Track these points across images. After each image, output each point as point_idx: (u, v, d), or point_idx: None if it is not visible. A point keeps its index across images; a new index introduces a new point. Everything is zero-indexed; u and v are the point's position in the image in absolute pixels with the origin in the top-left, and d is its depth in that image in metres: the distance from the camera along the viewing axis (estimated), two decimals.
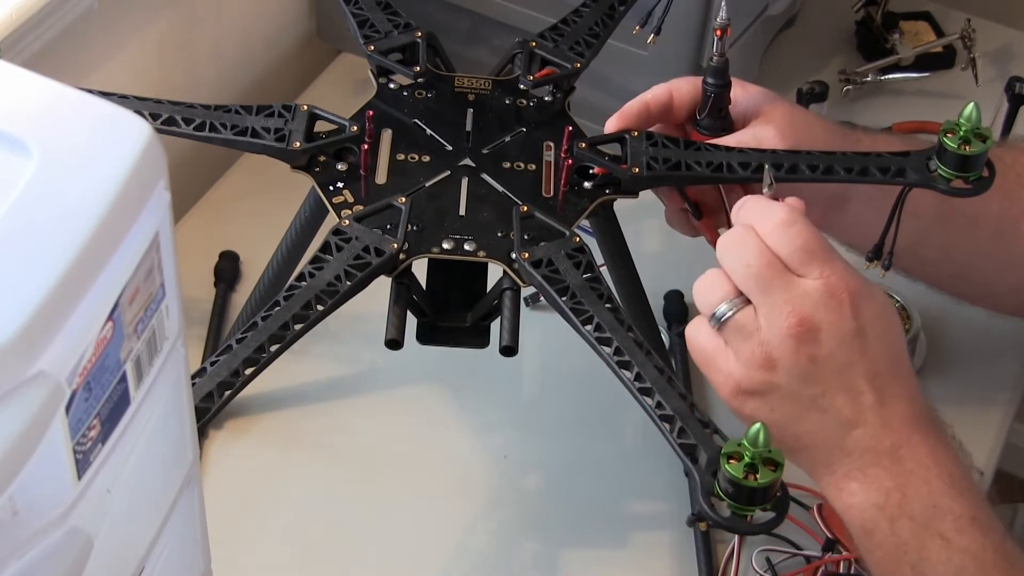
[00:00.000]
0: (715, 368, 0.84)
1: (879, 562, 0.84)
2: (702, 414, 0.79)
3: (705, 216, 1.00)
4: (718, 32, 0.96)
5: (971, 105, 0.90)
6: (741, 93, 1.00)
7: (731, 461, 0.72)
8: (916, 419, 0.84)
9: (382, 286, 0.89)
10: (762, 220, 0.85)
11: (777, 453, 0.72)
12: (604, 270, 0.99)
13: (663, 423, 0.79)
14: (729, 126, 1.00)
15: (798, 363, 0.82)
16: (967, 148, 0.89)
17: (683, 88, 1.00)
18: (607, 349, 0.83)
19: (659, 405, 0.80)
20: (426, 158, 0.96)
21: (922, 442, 0.84)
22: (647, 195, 0.97)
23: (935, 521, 0.82)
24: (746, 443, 0.72)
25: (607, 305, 0.85)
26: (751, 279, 0.83)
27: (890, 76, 1.43)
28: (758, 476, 0.72)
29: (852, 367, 0.83)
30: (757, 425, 0.72)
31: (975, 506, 0.83)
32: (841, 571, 0.98)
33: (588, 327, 0.84)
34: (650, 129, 0.99)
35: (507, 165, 0.96)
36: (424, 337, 0.93)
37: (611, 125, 0.98)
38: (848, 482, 0.83)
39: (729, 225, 0.97)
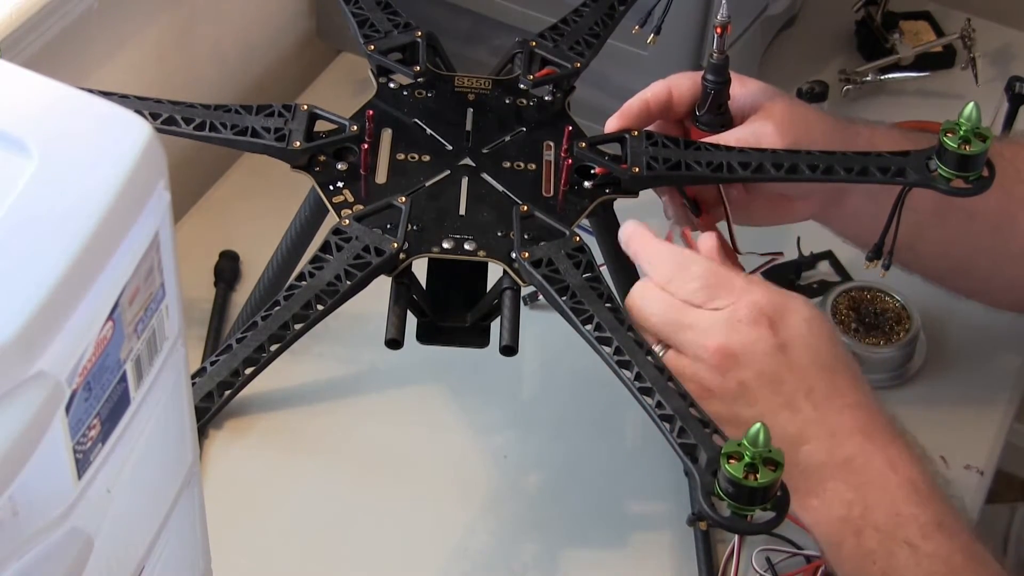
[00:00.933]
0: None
1: (850, 574, 0.85)
2: (702, 414, 0.79)
3: (704, 213, 1.00)
4: (718, 30, 0.96)
5: (971, 105, 0.90)
6: (740, 89, 1.00)
7: (731, 461, 0.72)
8: (867, 428, 0.85)
9: (382, 286, 0.89)
10: (655, 270, 0.87)
11: (777, 453, 0.72)
12: (604, 270, 0.99)
13: (663, 423, 0.79)
14: (728, 122, 1.00)
15: (729, 389, 0.84)
16: (967, 148, 0.89)
17: (682, 85, 1.00)
18: (607, 349, 0.83)
19: (659, 405, 0.80)
20: (426, 158, 0.96)
21: (877, 451, 0.84)
22: (647, 195, 0.97)
23: (900, 529, 0.82)
24: (746, 443, 0.72)
25: (607, 305, 0.85)
26: (663, 328, 0.86)
27: (890, 76, 1.43)
28: (758, 476, 0.72)
29: (783, 384, 0.84)
30: (757, 425, 0.72)
31: (940, 511, 0.83)
32: None
33: (588, 327, 0.84)
34: (649, 128, 0.99)
35: (507, 165, 0.96)
36: (424, 337, 0.93)
37: (612, 124, 0.99)
38: (809, 499, 0.84)
39: (728, 222, 0.98)
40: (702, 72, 0.99)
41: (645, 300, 0.87)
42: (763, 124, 0.97)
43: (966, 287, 1.11)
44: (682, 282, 0.86)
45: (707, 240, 0.91)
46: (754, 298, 0.85)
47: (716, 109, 0.99)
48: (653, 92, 1.00)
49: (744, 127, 0.98)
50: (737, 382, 0.84)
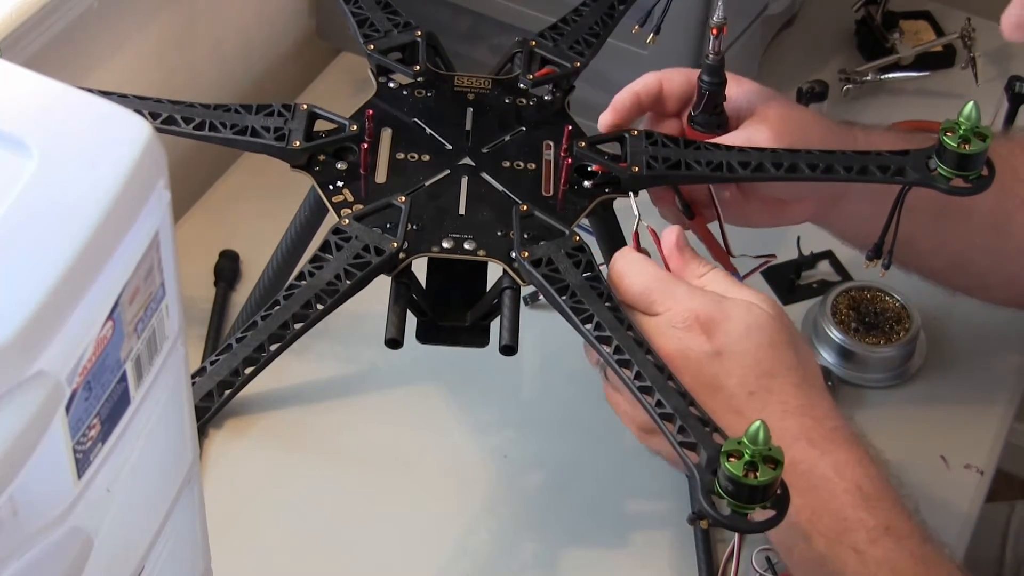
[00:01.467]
0: (624, 407, 0.90)
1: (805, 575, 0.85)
2: (702, 412, 0.79)
3: (697, 215, 1.00)
4: (714, 31, 0.96)
5: (971, 104, 0.90)
6: (736, 89, 1.00)
7: (731, 459, 0.72)
8: (811, 434, 0.84)
9: (382, 285, 0.89)
10: (610, 275, 0.89)
11: (777, 451, 0.72)
12: (604, 269, 0.99)
13: (663, 422, 0.79)
14: (724, 123, 1.00)
15: None
16: (967, 147, 0.89)
17: (674, 79, 1.00)
18: (607, 348, 0.83)
19: (659, 404, 0.80)
20: (426, 157, 0.96)
21: (821, 456, 0.84)
22: (647, 194, 0.97)
23: (847, 535, 0.82)
24: (746, 441, 0.72)
25: (607, 304, 0.85)
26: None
27: (890, 75, 1.43)
28: (758, 474, 0.72)
29: (721, 389, 0.84)
30: (757, 423, 0.72)
31: (889, 515, 0.83)
32: None
33: (588, 326, 0.84)
34: (643, 127, 0.99)
35: (507, 164, 0.96)
36: (424, 336, 0.93)
37: (605, 119, 0.99)
38: None
39: (720, 223, 0.98)
40: (697, 69, 0.99)
41: (621, 268, 0.89)
42: (758, 128, 0.97)
43: (963, 284, 1.11)
44: (623, 289, 0.87)
45: (668, 235, 0.91)
46: (691, 305, 0.85)
47: (711, 110, 0.99)
48: (644, 84, 1.00)
49: (739, 132, 0.98)
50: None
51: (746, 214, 1.01)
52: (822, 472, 0.83)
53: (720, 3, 0.95)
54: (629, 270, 0.88)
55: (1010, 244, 1.05)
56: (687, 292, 0.86)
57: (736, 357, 0.85)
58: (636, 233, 0.92)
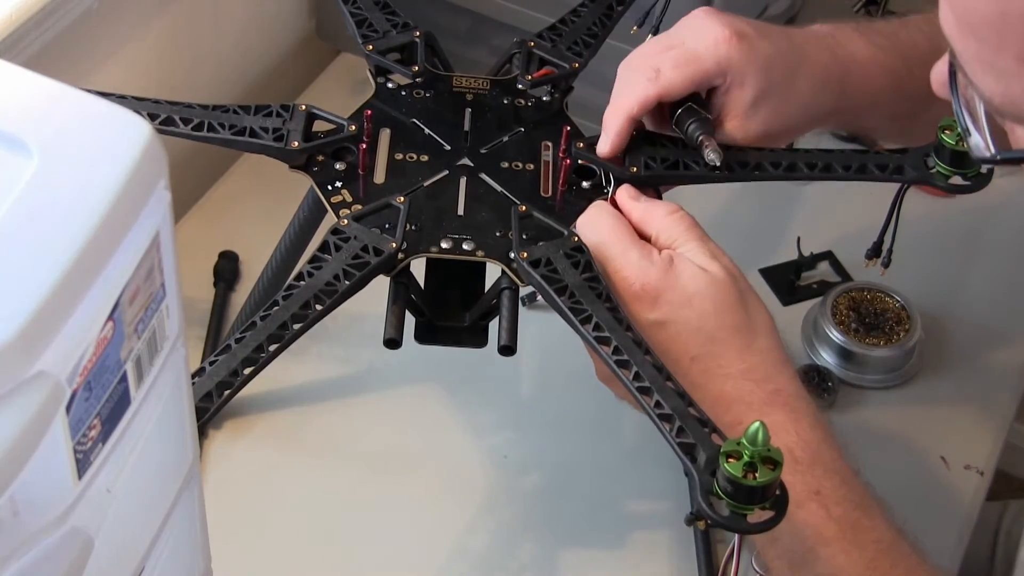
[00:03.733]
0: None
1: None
2: (701, 413, 0.79)
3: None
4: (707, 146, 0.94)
5: None
6: (698, 75, 0.95)
7: (730, 460, 0.72)
8: (749, 398, 0.86)
9: (381, 286, 0.89)
10: (578, 223, 0.91)
11: (776, 452, 0.72)
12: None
13: (662, 422, 0.79)
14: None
15: None
16: (964, 144, 0.89)
17: (673, 91, 0.95)
18: (606, 348, 0.83)
19: (658, 404, 0.80)
20: (424, 158, 0.96)
21: (755, 418, 0.83)
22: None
23: None
24: (745, 442, 0.72)
25: (606, 304, 0.85)
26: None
27: None
28: (757, 475, 0.72)
29: (667, 353, 0.85)
30: (756, 424, 0.72)
31: (820, 480, 0.84)
32: None
33: (587, 326, 0.84)
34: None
35: (505, 165, 0.96)
36: (422, 337, 0.93)
37: (606, 149, 0.95)
38: None
39: None
40: (701, 74, 0.97)
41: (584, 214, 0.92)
42: (737, 132, 0.96)
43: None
44: (586, 240, 0.89)
45: (621, 192, 0.93)
46: (635, 272, 0.87)
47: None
48: (639, 104, 0.95)
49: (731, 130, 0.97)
50: None
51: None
52: None
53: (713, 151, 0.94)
54: (593, 220, 0.90)
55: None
56: (639, 257, 0.88)
57: (679, 325, 0.86)
58: (612, 199, 0.93)
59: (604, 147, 0.95)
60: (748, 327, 0.88)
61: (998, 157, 0.73)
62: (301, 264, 0.89)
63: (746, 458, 0.72)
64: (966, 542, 1.07)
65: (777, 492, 0.73)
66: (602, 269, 0.88)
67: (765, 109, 0.97)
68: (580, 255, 0.88)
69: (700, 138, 0.93)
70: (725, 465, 0.72)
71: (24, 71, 0.53)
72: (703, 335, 0.87)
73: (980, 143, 0.73)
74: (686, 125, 0.94)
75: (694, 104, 0.95)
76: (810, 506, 0.84)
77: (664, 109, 0.99)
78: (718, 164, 0.92)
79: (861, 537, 0.85)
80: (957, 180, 0.91)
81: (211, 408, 0.82)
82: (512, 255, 0.89)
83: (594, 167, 0.95)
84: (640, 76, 0.95)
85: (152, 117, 0.92)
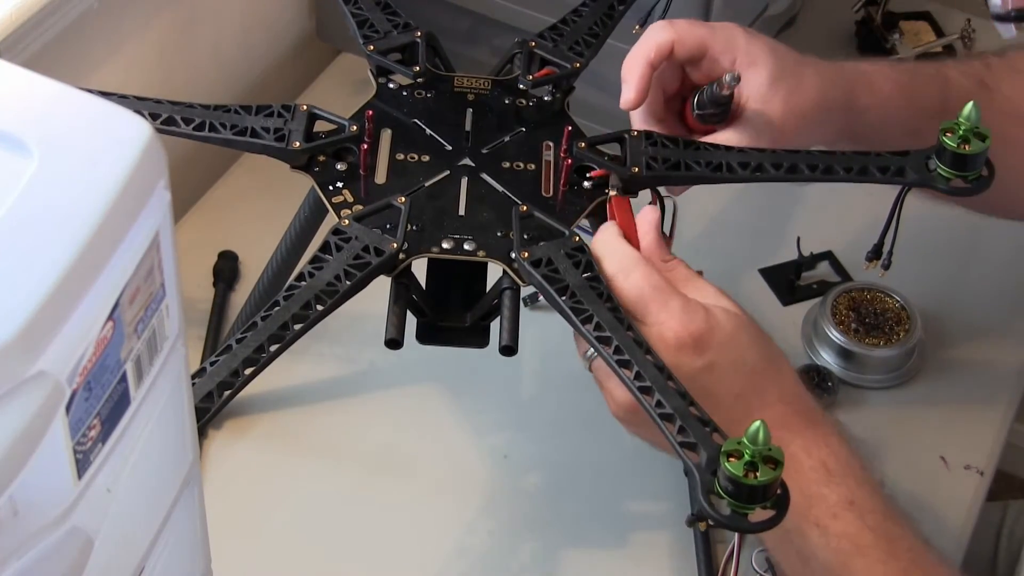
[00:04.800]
0: (608, 386, 0.88)
1: (774, 549, 0.90)
2: (702, 412, 0.79)
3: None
4: (726, 87, 0.96)
5: (970, 104, 0.90)
6: (749, 70, 0.98)
7: (731, 459, 0.72)
8: (788, 420, 0.87)
9: (382, 286, 0.89)
10: (605, 266, 0.88)
11: (777, 451, 0.72)
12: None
13: (663, 422, 0.79)
14: (727, 112, 0.99)
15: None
16: (966, 147, 0.89)
17: (686, 41, 0.98)
18: (607, 348, 0.83)
19: (659, 404, 0.80)
20: (425, 158, 0.96)
21: (793, 439, 0.86)
22: (646, 195, 0.97)
23: (811, 510, 0.85)
24: (746, 441, 0.72)
25: (607, 304, 0.85)
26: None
27: None
28: (758, 474, 0.72)
29: (711, 395, 0.84)
30: (757, 423, 0.72)
31: (851, 491, 0.85)
32: None
33: (588, 326, 0.84)
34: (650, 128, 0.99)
35: (506, 165, 0.96)
36: (424, 337, 0.93)
37: (630, 98, 0.97)
38: None
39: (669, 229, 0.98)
40: (707, 23, 0.99)
41: (602, 248, 0.89)
42: (755, 136, 0.98)
43: (961, 201, 1.11)
44: (623, 289, 0.87)
45: (649, 215, 0.92)
46: (681, 319, 0.85)
47: (714, 108, 0.99)
48: (656, 49, 0.98)
49: (738, 133, 0.98)
50: None
51: None
52: (792, 453, 0.85)
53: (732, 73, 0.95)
54: (625, 269, 0.88)
55: (1011, 159, 1.04)
56: (680, 307, 0.86)
57: (727, 366, 0.86)
58: (611, 205, 0.93)
59: (627, 95, 0.97)
60: (774, 355, 0.89)
61: (1012, 13, 0.79)
62: (302, 264, 0.89)
63: (747, 457, 0.72)
64: (966, 542, 1.07)
65: (778, 491, 0.73)
66: (639, 320, 0.86)
67: (782, 90, 0.98)
68: (581, 255, 0.88)
69: (716, 84, 0.96)
70: (726, 464, 0.72)
71: (24, 71, 0.53)
72: (746, 371, 0.87)
73: (997, 1, 0.79)
74: (706, 90, 0.97)
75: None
76: (847, 516, 0.84)
77: (676, 105, 0.99)
78: (738, 78, 0.94)
79: (895, 546, 0.85)
80: (958, 183, 0.91)
81: (212, 408, 0.82)
82: (513, 255, 0.89)
83: (595, 167, 0.95)
84: (653, 28, 0.99)
85: (153, 117, 0.92)
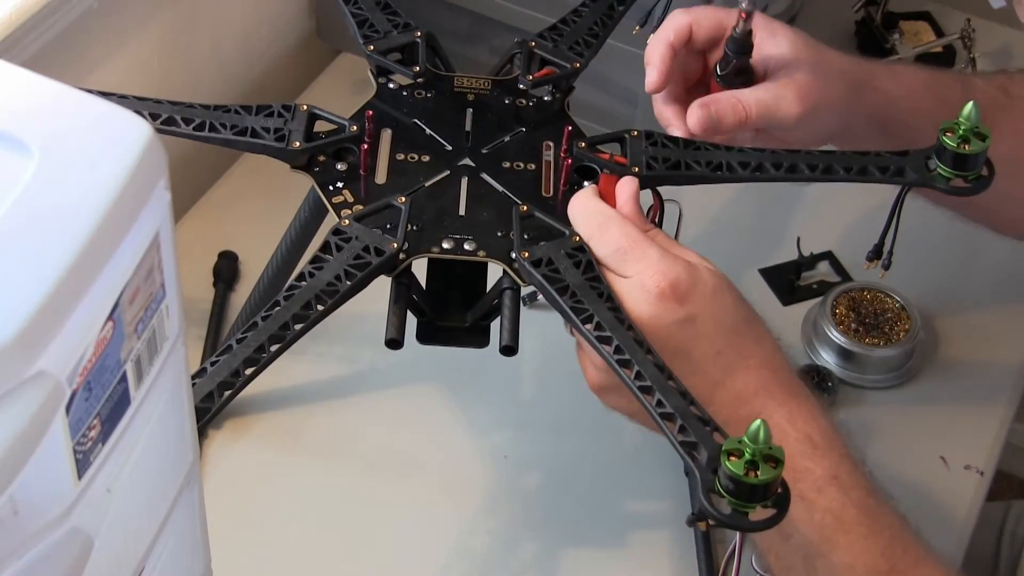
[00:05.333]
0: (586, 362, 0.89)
1: None
2: (702, 412, 0.79)
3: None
4: (743, 15, 0.96)
5: (970, 104, 0.90)
6: (769, 40, 1.00)
7: (731, 458, 0.72)
8: (769, 386, 0.87)
9: (382, 286, 0.89)
10: (581, 226, 0.89)
11: (778, 450, 0.72)
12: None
13: (664, 421, 0.79)
14: (750, 79, 1.00)
15: None
16: (966, 147, 0.89)
17: (703, 23, 1.00)
18: (607, 348, 0.83)
19: (659, 403, 0.80)
20: (426, 158, 0.96)
21: (777, 408, 0.86)
22: (646, 195, 0.97)
23: (796, 484, 0.83)
24: (746, 440, 0.72)
25: (607, 304, 0.85)
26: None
27: None
28: (759, 473, 0.72)
29: (691, 353, 0.85)
30: (757, 422, 0.72)
31: (836, 465, 0.85)
32: None
33: (588, 326, 0.84)
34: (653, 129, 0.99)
35: (507, 165, 0.96)
36: (424, 337, 0.93)
37: (654, 81, 0.99)
38: None
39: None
40: (726, 9, 1.00)
41: (577, 209, 0.90)
42: (783, 94, 0.98)
43: (979, 220, 1.13)
44: (600, 244, 0.88)
45: (628, 185, 0.92)
46: (661, 269, 0.85)
47: (737, 72, 0.99)
48: (675, 30, 0.99)
49: (765, 89, 0.98)
50: None
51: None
52: (777, 422, 0.85)
53: None
54: (602, 225, 0.88)
55: (1021, 191, 1.05)
56: (659, 256, 0.86)
57: (705, 321, 0.86)
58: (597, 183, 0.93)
59: (651, 78, 0.98)
60: (756, 320, 0.89)
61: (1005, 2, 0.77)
62: (302, 264, 0.89)
63: (747, 456, 0.72)
64: (966, 542, 1.07)
65: (779, 490, 0.73)
66: (617, 272, 0.87)
67: (806, 54, 0.99)
68: (581, 255, 0.88)
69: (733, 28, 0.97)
70: (727, 463, 0.72)
71: (24, 71, 0.53)
72: (727, 329, 0.87)
73: None
74: (728, 43, 0.99)
75: None
76: (831, 491, 0.84)
77: (698, 94, 1.00)
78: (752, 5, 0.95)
79: (877, 523, 0.85)
80: (958, 182, 0.91)
81: (212, 408, 0.82)
82: (513, 255, 0.89)
83: (595, 167, 0.95)
84: (672, 15, 1.01)
85: (153, 117, 0.92)
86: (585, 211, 0.90)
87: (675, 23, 1.00)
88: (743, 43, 0.98)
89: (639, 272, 0.86)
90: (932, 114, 0.99)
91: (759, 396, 0.86)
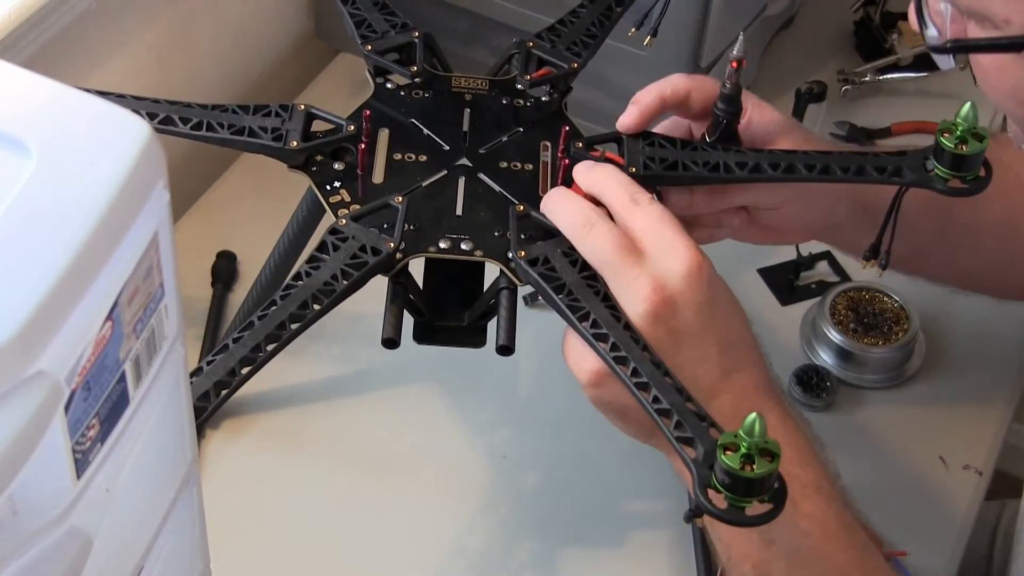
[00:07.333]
0: (574, 357, 0.88)
1: (731, 532, 0.87)
2: (699, 408, 0.79)
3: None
4: (734, 64, 0.94)
5: (968, 105, 0.90)
6: (757, 116, 0.99)
7: (727, 452, 0.72)
8: (765, 388, 0.88)
9: (379, 285, 0.89)
10: (563, 227, 0.88)
11: (774, 444, 0.72)
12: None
13: (660, 417, 0.79)
14: (737, 145, 0.99)
15: (657, 338, 0.84)
16: (964, 148, 0.89)
17: (705, 89, 0.99)
18: (604, 345, 0.83)
19: (655, 400, 0.80)
20: (423, 158, 0.96)
21: (772, 410, 0.87)
22: None
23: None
24: (742, 434, 0.72)
25: (604, 302, 0.85)
26: (603, 267, 0.86)
27: (888, 76, 1.43)
28: (755, 467, 0.72)
29: (707, 336, 0.85)
30: (753, 415, 0.72)
31: (819, 475, 0.86)
32: None
33: (585, 324, 0.84)
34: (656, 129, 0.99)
35: (504, 165, 0.96)
36: (421, 336, 0.93)
37: (628, 121, 0.97)
38: None
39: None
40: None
41: (596, 236, 0.87)
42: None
43: (976, 288, 1.13)
44: (586, 248, 0.87)
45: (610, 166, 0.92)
46: (656, 273, 0.85)
47: (726, 135, 0.98)
48: (672, 88, 0.98)
49: None
50: (667, 331, 0.85)
51: (746, 236, 1.03)
52: (773, 425, 0.84)
53: (740, 38, 0.94)
54: (590, 220, 0.87)
55: (1019, 254, 1.05)
56: (646, 272, 0.85)
57: (724, 305, 0.87)
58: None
59: (628, 119, 0.97)
60: (745, 323, 0.90)
61: (948, 45, 0.80)
62: (299, 264, 0.89)
63: (743, 450, 0.72)
64: (965, 542, 1.07)
65: (775, 484, 0.73)
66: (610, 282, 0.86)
67: (790, 140, 0.98)
68: (577, 253, 0.88)
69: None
70: (723, 457, 0.72)
71: (23, 71, 0.53)
72: (740, 320, 0.88)
73: (934, 34, 0.81)
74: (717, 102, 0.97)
75: None
76: (815, 499, 0.85)
77: (689, 112, 1.00)
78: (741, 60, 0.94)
79: (853, 537, 0.87)
80: (956, 183, 0.91)
81: (209, 407, 0.82)
82: (510, 255, 0.89)
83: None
84: (675, 75, 1.00)
85: (151, 116, 0.92)
86: (568, 207, 0.89)
87: (676, 83, 0.98)
88: (733, 100, 0.96)
89: (628, 285, 0.85)
90: (916, 193, 1.00)
91: (758, 394, 0.87)
